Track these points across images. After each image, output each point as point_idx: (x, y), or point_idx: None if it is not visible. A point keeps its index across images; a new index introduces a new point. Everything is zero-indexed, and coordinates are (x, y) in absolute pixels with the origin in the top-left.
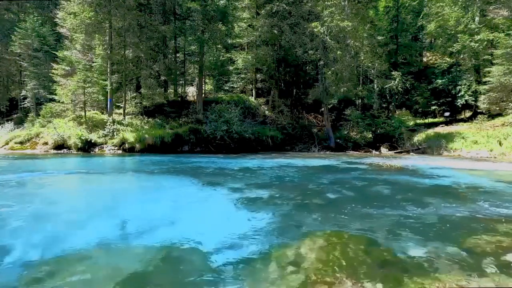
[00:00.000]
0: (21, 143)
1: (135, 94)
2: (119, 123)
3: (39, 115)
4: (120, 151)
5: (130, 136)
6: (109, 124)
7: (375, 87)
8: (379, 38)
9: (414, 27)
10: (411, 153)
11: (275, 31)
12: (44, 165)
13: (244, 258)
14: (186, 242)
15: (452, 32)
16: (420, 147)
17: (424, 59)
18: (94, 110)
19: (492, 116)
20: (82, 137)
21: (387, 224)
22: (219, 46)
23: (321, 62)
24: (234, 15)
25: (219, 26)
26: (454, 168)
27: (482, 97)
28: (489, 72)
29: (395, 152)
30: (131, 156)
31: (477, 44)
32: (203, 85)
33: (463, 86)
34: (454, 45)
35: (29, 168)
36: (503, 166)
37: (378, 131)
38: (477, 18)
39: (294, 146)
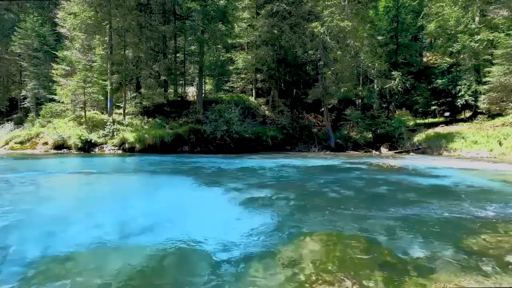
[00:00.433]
0: (21, 143)
1: (135, 94)
2: (119, 123)
3: (39, 115)
4: (120, 151)
5: (130, 136)
6: (109, 124)
7: (375, 87)
8: (379, 38)
9: (414, 27)
10: (411, 153)
11: (275, 31)
12: (44, 165)
13: (244, 258)
14: (186, 242)
15: (452, 32)
16: (420, 147)
17: (424, 59)
18: (94, 110)
19: (492, 116)
20: (82, 137)
21: (387, 224)
22: (219, 46)
23: (321, 62)
24: (234, 15)
25: (219, 26)
26: (454, 168)
27: (482, 97)
28: (489, 72)
29: (395, 152)
30: (131, 156)
31: (477, 44)
32: (203, 85)
33: (463, 86)
34: (454, 45)
35: (29, 168)
36: (503, 166)
37: (378, 131)
38: (477, 18)
39: (294, 146)
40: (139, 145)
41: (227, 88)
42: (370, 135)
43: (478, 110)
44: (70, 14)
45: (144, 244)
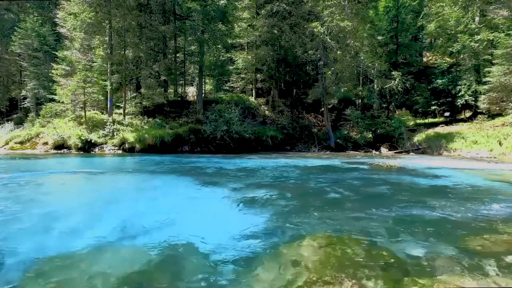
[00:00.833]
0: (21, 143)
1: (135, 94)
2: (119, 123)
3: (39, 115)
4: (120, 151)
5: (130, 136)
6: (109, 124)
7: (375, 87)
8: (379, 38)
9: (414, 27)
10: (411, 153)
11: (275, 31)
12: (43, 165)
13: (244, 258)
14: (185, 242)
15: (452, 32)
16: (420, 147)
17: (424, 59)
18: (94, 110)
19: (492, 116)
20: (82, 137)
21: (387, 224)
22: (219, 46)
23: (321, 62)
24: (234, 15)
25: (219, 26)
26: (454, 168)
27: (482, 97)
28: (489, 72)
29: (395, 152)
30: (131, 156)
31: (477, 44)
32: (203, 85)
33: (463, 86)
34: (454, 45)
35: (28, 168)
36: (503, 166)
37: (378, 131)
38: (477, 18)
39: (294, 146)
40: (139, 145)
41: (227, 88)
42: (370, 135)
43: (478, 110)
44: (70, 14)
45: (142, 244)
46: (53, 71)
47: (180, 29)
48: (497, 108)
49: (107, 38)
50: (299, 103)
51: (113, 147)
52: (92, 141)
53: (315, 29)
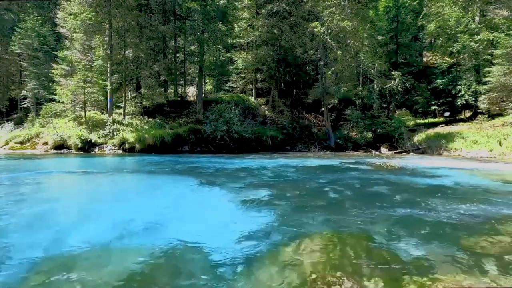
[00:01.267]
0: (21, 143)
1: (135, 94)
2: (119, 123)
3: (39, 115)
4: (120, 151)
5: (130, 136)
6: (109, 124)
7: (375, 87)
8: (379, 38)
9: (414, 27)
10: (411, 153)
11: (275, 31)
12: (43, 165)
13: (244, 258)
14: (185, 242)
15: (452, 32)
16: (420, 147)
17: (424, 59)
18: (94, 110)
19: (492, 116)
20: (82, 137)
21: (387, 224)
22: (219, 46)
23: (321, 62)
24: (234, 15)
25: (219, 26)
26: (454, 168)
27: (482, 97)
28: (489, 72)
29: (395, 152)
30: (131, 156)
31: (477, 44)
32: (203, 85)
33: (463, 86)
34: (454, 45)
35: (28, 168)
36: (503, 166)
37: (378, 131)
38: (477, 18)
39: (294, 146)
40: (139, 145)
41: (227, 88)
42: (370, 135)
43: (478, 110)
44: (70, 15)
45: (141, 244)
46: (53, 71)
47: (180, 29)
48: (497, 108)
49: (107, 38)
50: (299, 103)
51: (113, 147)
52: (92, 141)
53: (315, 29)
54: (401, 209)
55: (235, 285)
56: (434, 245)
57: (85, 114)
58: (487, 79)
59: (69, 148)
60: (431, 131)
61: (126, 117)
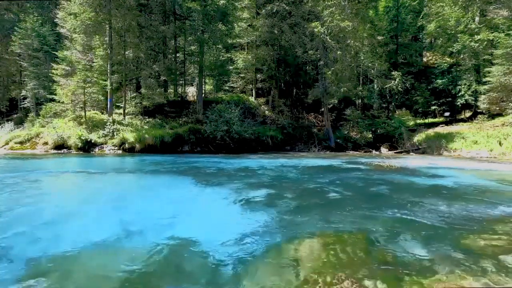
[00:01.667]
0: (21, 143)
1: (135, 94)
2: (119, 123)
3: (39, 115)
4: (120, 151)
5: (130, 136)
6: (109, 124)
7: (375, 87)
8: (379, 38)
9: (414, 27)
10: (411, 153)
11: (275, 31)
12: (43, 165)
13: (244, 258)
14: (185, 242)
15: (452, 32)
16: (420, 147)
17: (424, 59)
18: (94, 110)
19: (492, 116)
20: (82, 137)
21: (387, 224)
22: (219, 46)
23: (321, 62)
24: (234, 15)
25: (219, 26)
26: (454, 168)
27: (482, 97)
28: (489, 72)
29: (395, 152)
30: (131, 156)
31: (477, 44)
32: (203, 85)
33: (463, 86)
34: (454, 45)
35: (28, 168)
36: (503, 166)
37: (378, 131)
38: (477, 18)
39: (294, 146)
40: (139, 145)
41: (227, 88)
42: (370, 135)
43: (478, 110)
44: (70, 15)
45: (142, 244)
46: (53, 71)
47: (180, 29)
48: (497, 108)
49: (107, 38)
50: (299, 103)
51: (113, 147)
52: (92, 141)
53: (315, 29)
54: (401, 209)
55: (235, 285)
56: (434, 245)
57: (85, 114)
58: (487, 79)
59: (69, 148)
60: (431, 131)
61: (126, 117)
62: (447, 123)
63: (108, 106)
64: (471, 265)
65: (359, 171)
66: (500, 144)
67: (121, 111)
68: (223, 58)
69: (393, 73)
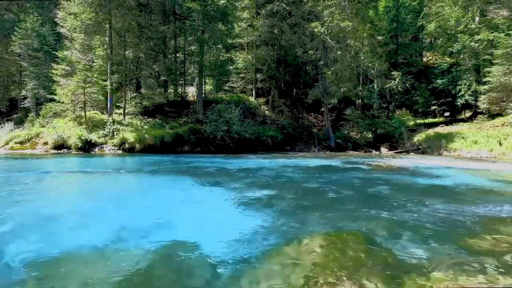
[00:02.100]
0: (21, 143)
1: (135, 94)
2: (119, 123)
3: (39, 115)
4: (120, 151)
5: (130, 136)
6: (109, 124)
7: (375, 87)
8: (379, 38)
9: (414, 27)
10: (411, 153)
11: (275, 31)
12: (43, 164)
13: (244, 258)
14: (185, 242)
15: (452, 32)
16: (420, 147)
17: (424, 59)
18: (94, 110)
19: (492, 116)
20: (82, 137)
21: (387, 224)
22: (219, 46)
23: (321, 62)
24: (234, 15)
25: (219, 26)
26: (454, 168)
27: (482, 97)
28: (489, 72)
29: (395, 152)
30: (131, 156)
31: (477, 44)
32: (203, 85)
33: (463, 86)
34: (454, 45)
35: (27, 168)
36: (503, 166)
37: (378, 131)
38: (477, 18)
39: (294, 146)
40: (139, 145)
41: (227, 88)
42: (370, 135)
43: (478, 110)
44: (70, 14)
45: (141, 244)
46: (53, 71)
47: (180, 29)
48: (497, 108)
49: (107, 38)
50: (299, 103)
51: (113, 147)
52: (92, 141)
53: (315, 29)
54: (401, 209)
55: (235, 285)
56: (434, 245)
57: (85, 114)
58: (487, 79)
59: (69, 148)
60: (431, 131)
61: (126, 117)
62: (447, 123)
63: (108, 106)
64: (471, 265)
65: (359, 171)
66: (500, 144)
67: (121, 111)
68: (223, 58)
69: (393, 73)
